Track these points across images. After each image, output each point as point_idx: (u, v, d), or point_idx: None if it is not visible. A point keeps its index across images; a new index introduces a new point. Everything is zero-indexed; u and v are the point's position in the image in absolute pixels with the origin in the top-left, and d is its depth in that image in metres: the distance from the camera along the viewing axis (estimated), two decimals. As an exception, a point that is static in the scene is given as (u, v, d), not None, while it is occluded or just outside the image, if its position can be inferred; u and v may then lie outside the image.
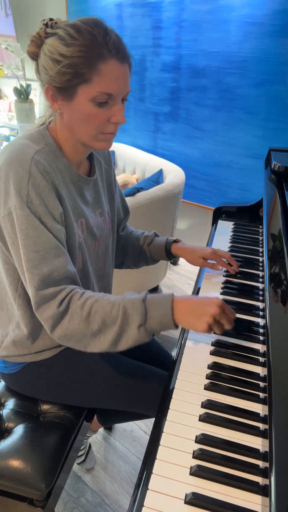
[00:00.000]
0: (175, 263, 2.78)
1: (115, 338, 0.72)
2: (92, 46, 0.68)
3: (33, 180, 0.71)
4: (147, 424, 1.56)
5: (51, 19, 0.73)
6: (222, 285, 1.02)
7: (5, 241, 0.77)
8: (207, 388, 0.70)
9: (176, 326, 0.74)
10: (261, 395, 0.69)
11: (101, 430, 1.53)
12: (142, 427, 1.55)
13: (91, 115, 0.73)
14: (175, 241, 1.08)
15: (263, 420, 0.64)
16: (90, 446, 1.41)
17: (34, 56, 0.75)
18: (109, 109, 0.74)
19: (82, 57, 0.68)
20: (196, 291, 1.03)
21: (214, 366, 0.75)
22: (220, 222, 1.41)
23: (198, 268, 1.16)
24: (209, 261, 1.05)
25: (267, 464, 0.53)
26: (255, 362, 0.77)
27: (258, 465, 0.57)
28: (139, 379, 0.90)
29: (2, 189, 0.72)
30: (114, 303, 0.73)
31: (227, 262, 1.06)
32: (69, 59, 0.68)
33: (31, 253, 0.72)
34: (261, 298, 0.97)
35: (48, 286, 0.73)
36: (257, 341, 0.82)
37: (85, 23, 0.69)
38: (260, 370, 0.75)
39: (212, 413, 0.65)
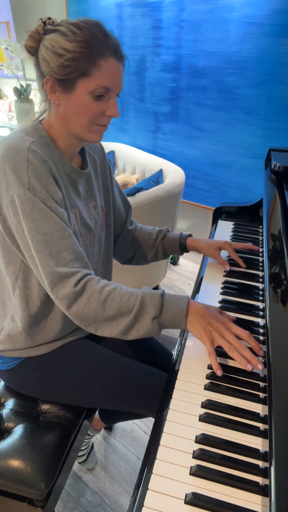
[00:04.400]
0: (175, 263, 2.78)
1: (128, 326, 0.75)
2: (94, 43, 0.73)
3: (32, 167, 0.74)
4: (147, 424, 1.56)
5: (49, 18, 0.78)
6: (222, 285, 1.02)
7: (9, 231, 0.79)
8: (207, 388, 0.70)
9: (185, 327, 0.76)
10: (261, 395, 0.69)
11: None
12: (142, 427, 1.55)
13: (88, 107, 0.77)
14: (189, 236, 1.13)
15: (263, 420, 0.64)
16: (92, 446, 1.41)
17: (32, 50, 0.79)
18: (105, 103, 0.78)
19: (84, 52, 0.73)
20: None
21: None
22: (220, 222, 1.41)
23: (198, 268, 1.18)
24: (221, 253, 1.11)
25: (267, 464, 0.53)
26: (255, 362, 0.76)
27: (258, 465, 0.57)
28: (138, 379, 0.90)
29: (2, 180, 0.75)
30: (133, 293, 0.76)
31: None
32: (71, 53, 0.73)
33: (38, 236, 0.74)
34: (261, 298, 0.97)
35: (60, 265, 0.75)
36: (257, 341, 0.82)
37: (86, 22, 0.75)
38: (260, 370, 0.75)
39: (212, 413, 0.65)
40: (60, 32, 0.74)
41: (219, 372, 0.71)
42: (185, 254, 2.84)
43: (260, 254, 1.18)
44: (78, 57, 0.73)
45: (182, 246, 1.12)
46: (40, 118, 0.86)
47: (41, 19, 0.77)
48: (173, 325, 0.76)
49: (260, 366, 0.71)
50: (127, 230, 1.13)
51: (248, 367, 0.71)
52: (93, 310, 0.75)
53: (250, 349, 0.74)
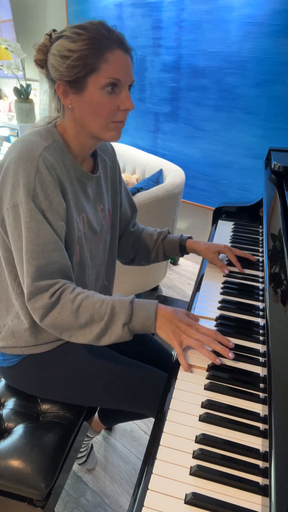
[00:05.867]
0: (175, 263, 2.78)
1: (99, 333, 0.76)
2: (98, 38, 0.74)
3: (40, 176, 0.75)
4: (147, 424, 1.56)
5: (54, 30, 0.79)
6: (222, 285, 1.02)
7: (6, 232, 0.80)
8: (207, 388, 0.70)
9: (155, 331, 0.78)
10: (261, 395, 0.69)
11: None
12: (142, 427, 1.55)
13: (101, 104, 0.77)
14: (189, 238, 1.12)
15: (263, 420, 0.64)
16: (92, 447, 1.41)
17: (41, 63, 0.80)
18: (118, 97, 0.78)
19: (89, 49, 0.74)
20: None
21: (214, 366, 0.75)
22: (220, 222, 1.41)
23: (198, 268, 1.18)
24: (220, 256, 1.10)
25: (267, 464, 0.53)
26: (255, 362, 0.77)
27: (258, 465, 0.57)
28: (138, 379, 0.90)
29: (10, 182, 0.76)
30: (104, 301, 0.77)
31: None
32: (77, 52, 0.74)
33: (31, 245, 0.75)
34: (261, 298, 0.97)
35: (43, 278, 0.76)
36: (257, 341, 0.82)
37: (89, 22, 0.76)
38: (260, 370, 0.75)
39: (212, 413, 0.65)
40: (65, 37, 0.75)
41: (189, 370, 0.73)
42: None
43: (260, 254, 1.18)
44: (85, 54, 0.73)
45: (182, 248, 1.12)
46: (54, 121, 0.86)
47: (47, 33, 0.79)
48: (143, 330, 0.77)
49: (230, 355, 0.74)
50: (129, 231, 1.14)
51: (217, 361, 0.73)
52: (66, 318, 0.76)
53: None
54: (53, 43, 0.78)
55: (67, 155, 0.83)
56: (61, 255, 0.78)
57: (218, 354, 0.75)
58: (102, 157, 0.98)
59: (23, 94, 3.08)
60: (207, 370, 0.74)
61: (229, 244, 1.24)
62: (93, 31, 0.74)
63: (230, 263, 1.10)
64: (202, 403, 0.67)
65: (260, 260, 1.14)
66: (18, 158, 0.75)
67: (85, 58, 0.74)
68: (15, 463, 0.82)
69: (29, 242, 0.75)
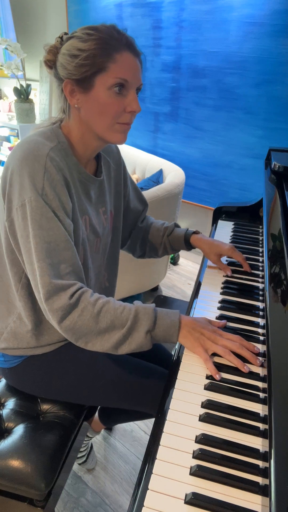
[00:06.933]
0: (175, 263, 2.78)
1: (120, 340, 0.73)
2: (108, 39, 0.75)
3: (48, 175, 0.75)
4: (147, 424, 1.56)
5: (66, 33, 0.80)
6: (222, 285, 1.02)
7: (14, 233, 0.79)
8: (207, 388, 0.70)
9: (177, 340, 0.76)
10: (261, 395, 0.69)
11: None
12: (142, 427, 1.55)
13: (108, 104, 0.77)
14: (195, 232, 1.12)
15: (263, 420, 0.64)
16: (91, 447, 1.41)
17: (51, 64, 0.81)
18: (125, 99, 0.78)
19: (98, 49, 0.74)
20: (197, 285, 1.03)
21: (214, 365, 0.75)
22: (220, 222, 1.41)
23: (197, 268, 1.17)
24: (222, 259, 1.09)
25: (267, 464, 0.53)
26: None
27: (258, 465, 0.57)
28: (139, 377, 0.90)
29: (17, 182, 0.75)
30: (126, 307, 0.75)
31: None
32: (86, 52, 0.74)
33: (43, 244, 0.74)
34: (261, 298, 0.97)
35: (59, 277, 0.74)
36: (257, 341, 0.82)
37: (100, 24, 0.77)
38: (260, 371, 0.75)
39: (212, 413, 0.65)
40: (76, 37, 0.76)
41: (218, 377, 0.71)
42: (185, 254, 2.85)
43: (260, 254, 1.18)
44: (94, 54, 0.74)
45: (187, 243, 1.12)
46: (59, 122, 0.86)
47: (59, 36, 0.80)
48: (165, 338, 0.76)
49: (258, 362, 0.74)
50: (138, 227, 1.14)
51: (245, 369, 0.72)
52: (86, 323, 0.73)
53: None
54: (63, 44, 0.78)
55: (71, 157, 0.83)
56: (72, 255, 0.77)
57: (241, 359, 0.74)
58: (106, 159, 0.98)
59: (23, 94, 3.08)
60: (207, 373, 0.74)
61: (229, 244, 1.24)
62: (104, 32, 0.75)
63: (229, 263, 1.10)
64: (202, 403, 0.67)
65: (260, 260, 1.14)
66: (24, 158, 0.74)
67: (93, 57, 0.74)
68: (15, 463, 0.82)
69: (40, 240, 0.73)
